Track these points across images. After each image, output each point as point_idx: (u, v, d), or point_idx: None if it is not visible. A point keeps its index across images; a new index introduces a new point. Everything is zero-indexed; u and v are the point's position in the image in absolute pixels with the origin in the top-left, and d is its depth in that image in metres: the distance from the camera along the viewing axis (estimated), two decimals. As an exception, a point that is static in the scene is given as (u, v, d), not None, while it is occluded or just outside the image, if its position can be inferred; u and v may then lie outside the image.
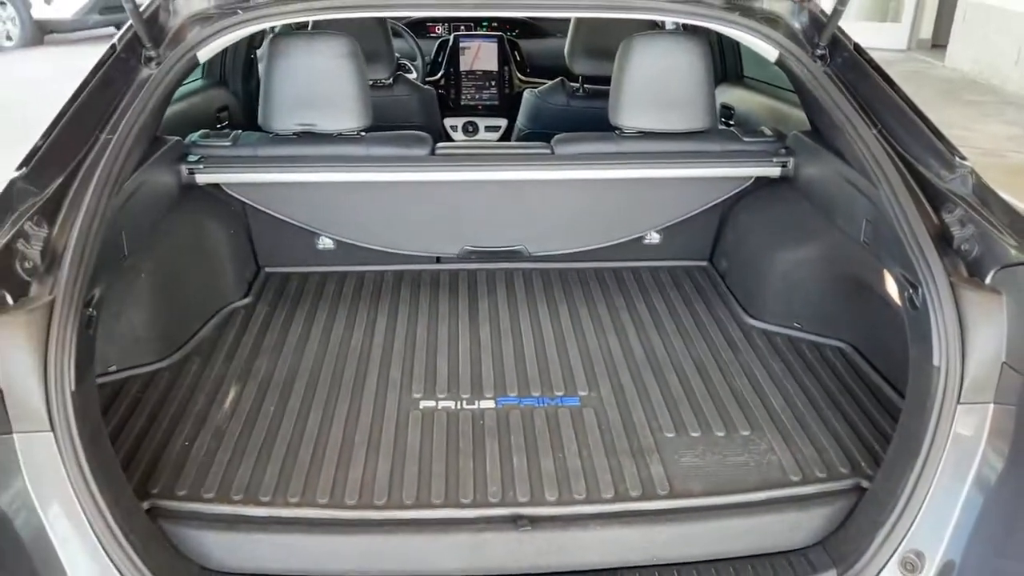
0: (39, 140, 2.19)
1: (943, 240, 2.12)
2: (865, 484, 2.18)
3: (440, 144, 3.10)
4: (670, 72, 2.96)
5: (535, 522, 2.06)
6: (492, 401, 2.51)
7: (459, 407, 2.48)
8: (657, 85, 2.96)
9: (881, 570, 1.98)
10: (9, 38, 13.97)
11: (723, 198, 3.19)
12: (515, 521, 2.05)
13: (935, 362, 1.96)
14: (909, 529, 1.96)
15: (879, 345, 2.67)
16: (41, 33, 14.17)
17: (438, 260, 3.34)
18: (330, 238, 3.24)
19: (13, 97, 9.69)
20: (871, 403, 2.52)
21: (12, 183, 2.09)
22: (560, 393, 2.55)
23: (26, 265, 1.94)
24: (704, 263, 3.42)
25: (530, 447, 2.31)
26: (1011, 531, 1.93)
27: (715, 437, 2.37)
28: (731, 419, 2.44)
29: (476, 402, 2.51)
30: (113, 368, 2.60)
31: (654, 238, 3.36)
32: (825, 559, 2.07)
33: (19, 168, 2.12)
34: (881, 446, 2.30)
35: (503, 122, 5.13)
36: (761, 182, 3.17)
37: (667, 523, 2.08)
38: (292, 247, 3.27)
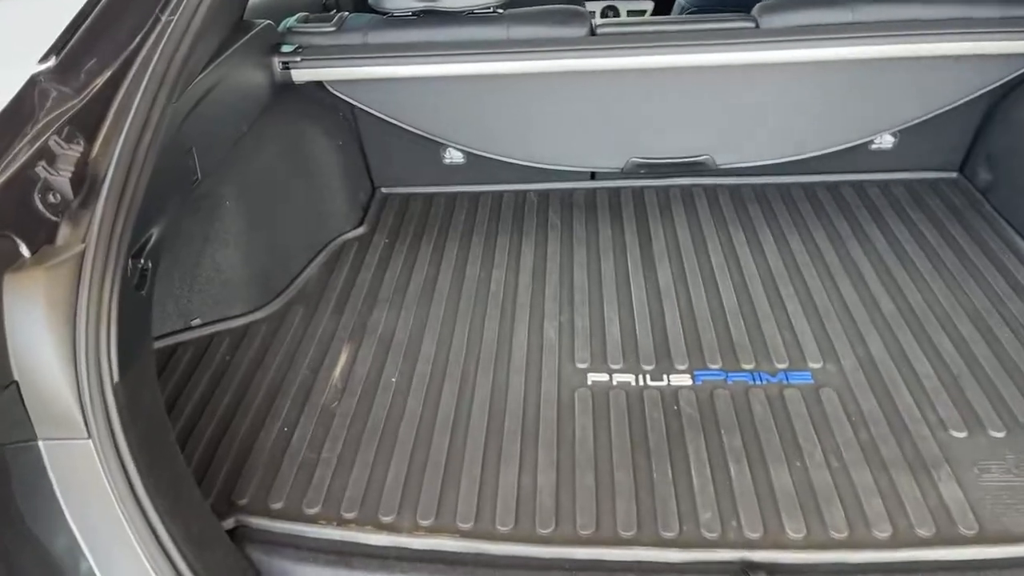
0: (73, 19, 1.58)
1: None
2: None
3: (601, 21, 2.32)
4: None
5: (776, 574, 1.39)
6: (687, 376, 1.82)
7: (642, 384, 1.81)
8: None
9: None
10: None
11: (998, 83, 2.29)
12: (746, 574, 1.39)
13: None
14: None
15: None
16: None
17: (593, 176, 2.62)
18: (460, 150, 2.57)
19: None
20: None
21: (33, 81, 1.49)
22: (783, 366, 1.83)
23: (51, 199, 1.35)
24: (953, 174, 2.55)
25: (751, 448, 1.62)
26: None
27: (1031, 440, 1.60)
28: (1049, 410, 1.66)
29: (665, 377, 1.82)
30: (197, 321, 2.06)
31: (886, 142, 2.51)
32: None
33: (43, 60, 1.52)
34: None
35: (649, 5, 4.25)
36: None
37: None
38: (414, 161, 2.62)
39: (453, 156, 2.60)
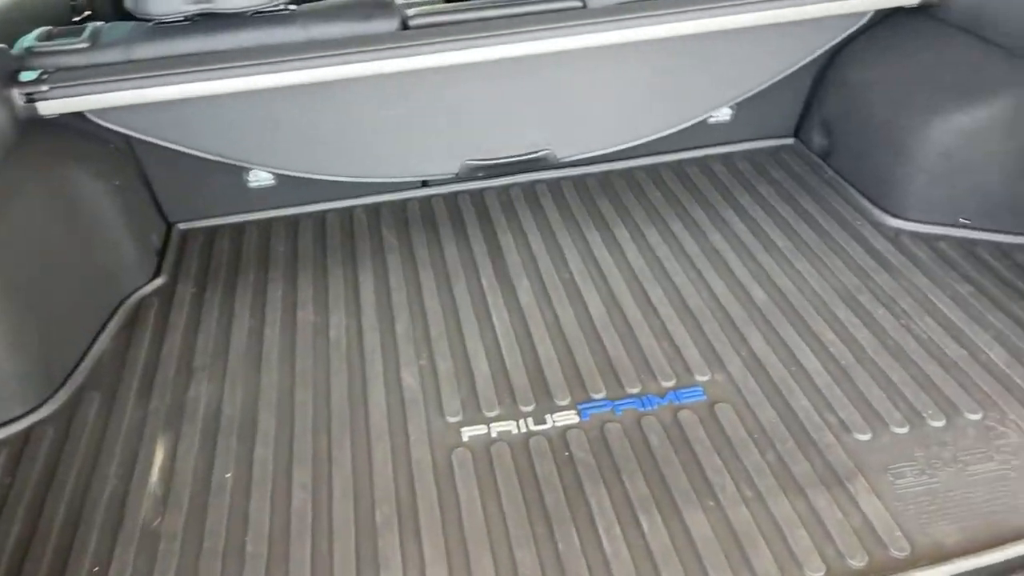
0: None
1: None
2: None
3: (413, 10, 2.04)
4: None
5: None
6: (572, 412, 1.62)
7: (525, 430, 1.58)
8: None
9: None
10: None
11: (825, 47, 2.23)
12: None
13: None
14: None
15: None
16: None
17: (425, 184, 2.35)
18: (266, 171, 2.21)
19: None
20: None
21: None
22: (671, 384, 1.66)
23: None
24: (790, 140, 2.49)
25: (658, 492, 1.44)
26: None
27: (935, 432, 1.53)
28: (942, 394, 1.60)
29: (548, 418, 1.61)
30: None
31: (724, 115, 2.40)
32: None
33: None
34: None
35: None
36: (881, 17, 2.22)
37: None
38: (214, 189, 2.23)
39: (260, 177, 2.24)
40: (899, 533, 1.35)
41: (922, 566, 1.30)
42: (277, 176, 2.21)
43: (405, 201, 2.30)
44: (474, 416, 1.62)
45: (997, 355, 1.67)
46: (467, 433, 1.58)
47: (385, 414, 1.63)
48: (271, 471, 1.53)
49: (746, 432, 1.54)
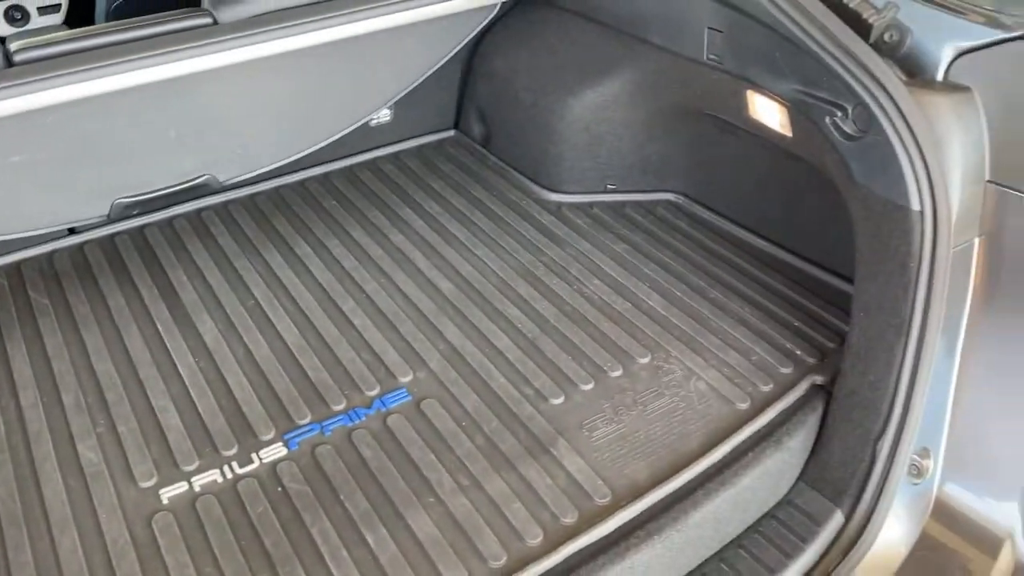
0: None
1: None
2: (820, 380, 1.66)
3: (18, 44, 1.80)
4: None
5: None
6: (279, 445, 1.55)
7: (231, 476, 1.49)
8: None
9: (893, 493, 1.50)
10: None
11: (468, 38, 2.33)
12: None
13: (913, 205, 1.41)
14: (916, 427, 1.48)
15: (718, 186, 2.12)
16: None
17: (72, 231, 2.11)
18: None
19: None
20: (752, 264, 1.98)
21: None
22: (375, 393, 1.66)
23: None
24: (451, 132, 2.58)
25: (379, 504, 1.44)
26: (1003, 384, 1.52)
27: (615, 381, 1.68)
28: (617, 346, 1.76)
29: (254, 457, 1.53)
30: None
31: (384, 116, 2.43)
32: (818, 500, 1.55)
33: None
34: (804, 321, 1.79)
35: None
36: (510, 7, 2.36)
37: (627, 552, 1.37)
38: None
39: None
40: (600, 482, 1.47)
41: (623, 507, 1.42)
42: None
43: (51, 254, 2.05)
44: (171, 474, 1.49)
45: (656, 302, 1.87)
46: (166, 495, 1.46)
47: (65, 498, 1.45)
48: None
49: (454, 422, 1.59)
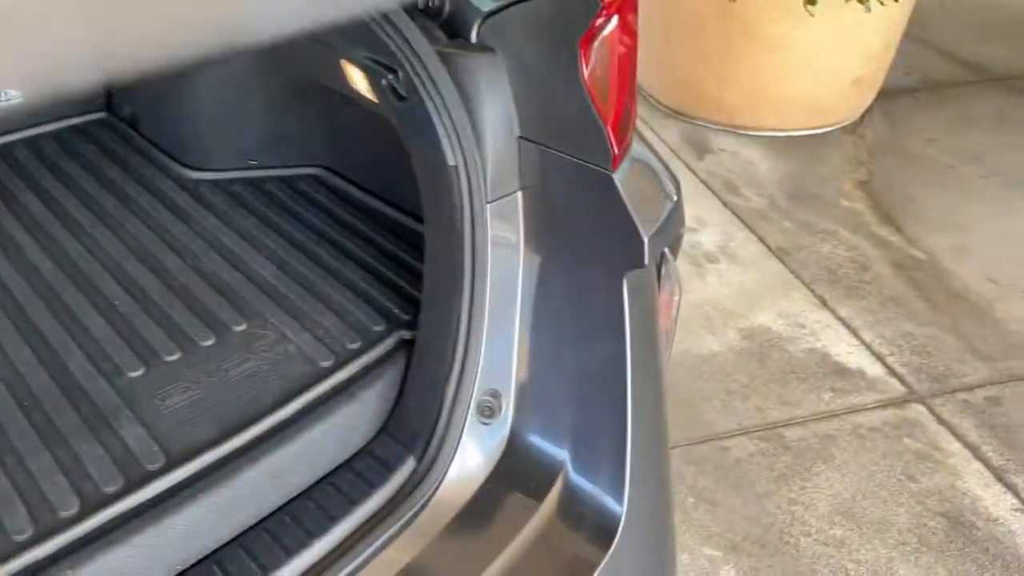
0: None
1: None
2: (408, 335, 1.72)
3: None
4: None
5: None
6: None
7: None
8: None
9: (460, 434, 1.58)
10: None
11: None
12: None
13: (449, 160, 1.49)
14: (477, 370, 1.57)
15: (361, 160, 2.16)
16: None
17: None
18: None
19: None
20: (378, 233, 2.03)
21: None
22: None
23: None
24: (101, 114, 2.47)
25: None
26: (558, 320, 1.64)
27: (204, 350, 1.66)
28: (216, 317, 1.75)
29: None
30: None
31: (14, 97, 2.29)
32: (394, 447, 1.60)
33: None
34: (410, 282, 1.85)
35: None
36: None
37: (174, 510, 1.37)
38: None
39: None
40: (156, 448, 1.44)
41: (172, 470, 1.41)
42: None
43: None
44: None
45: (269, 272, 1.87)
46: None
47: None
48: None
49: (16, 404, 1.51)
